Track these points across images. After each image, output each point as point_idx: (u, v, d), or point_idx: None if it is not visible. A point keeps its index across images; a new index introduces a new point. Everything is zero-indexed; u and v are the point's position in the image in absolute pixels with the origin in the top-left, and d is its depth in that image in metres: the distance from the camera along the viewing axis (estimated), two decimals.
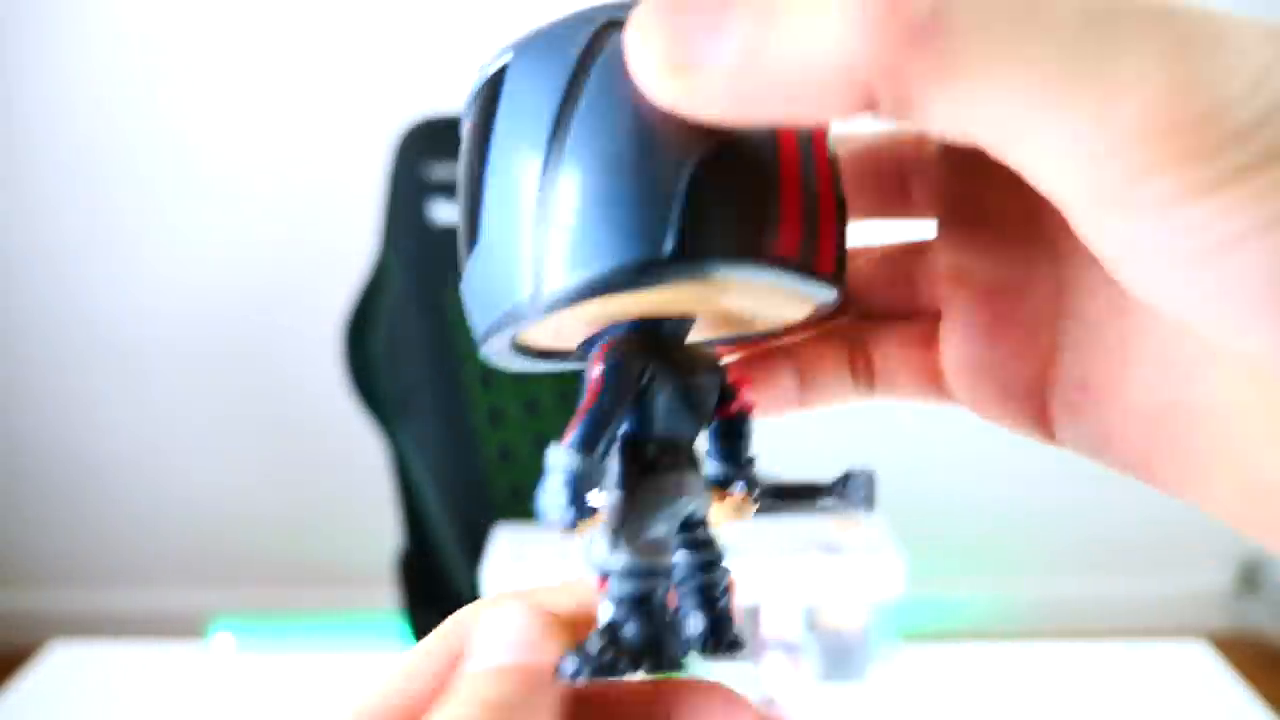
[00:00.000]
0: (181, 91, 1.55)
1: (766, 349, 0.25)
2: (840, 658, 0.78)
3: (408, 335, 1.05)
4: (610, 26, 0.17)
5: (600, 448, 0.18)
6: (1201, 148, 0.14)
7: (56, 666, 0.83)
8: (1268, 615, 1.74)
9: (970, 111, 0.15)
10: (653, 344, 0.20)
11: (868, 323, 0.25)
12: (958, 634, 1.61)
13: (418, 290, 1.04)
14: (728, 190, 0.18)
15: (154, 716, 0.78)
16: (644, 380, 0.19)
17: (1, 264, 1.62)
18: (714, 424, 0.22)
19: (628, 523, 0.19)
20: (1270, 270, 0.14)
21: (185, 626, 1.12)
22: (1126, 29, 0.14)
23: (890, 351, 0.24)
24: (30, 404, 1.69)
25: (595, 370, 0.19)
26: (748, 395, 0.22)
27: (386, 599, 1.25)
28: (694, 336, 0.22)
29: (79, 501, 1.73)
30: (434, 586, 1.09)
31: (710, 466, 0.22)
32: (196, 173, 1.58)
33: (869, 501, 0.22)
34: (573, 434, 0.18)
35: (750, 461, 0.22)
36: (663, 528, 0.19)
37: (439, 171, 1.02)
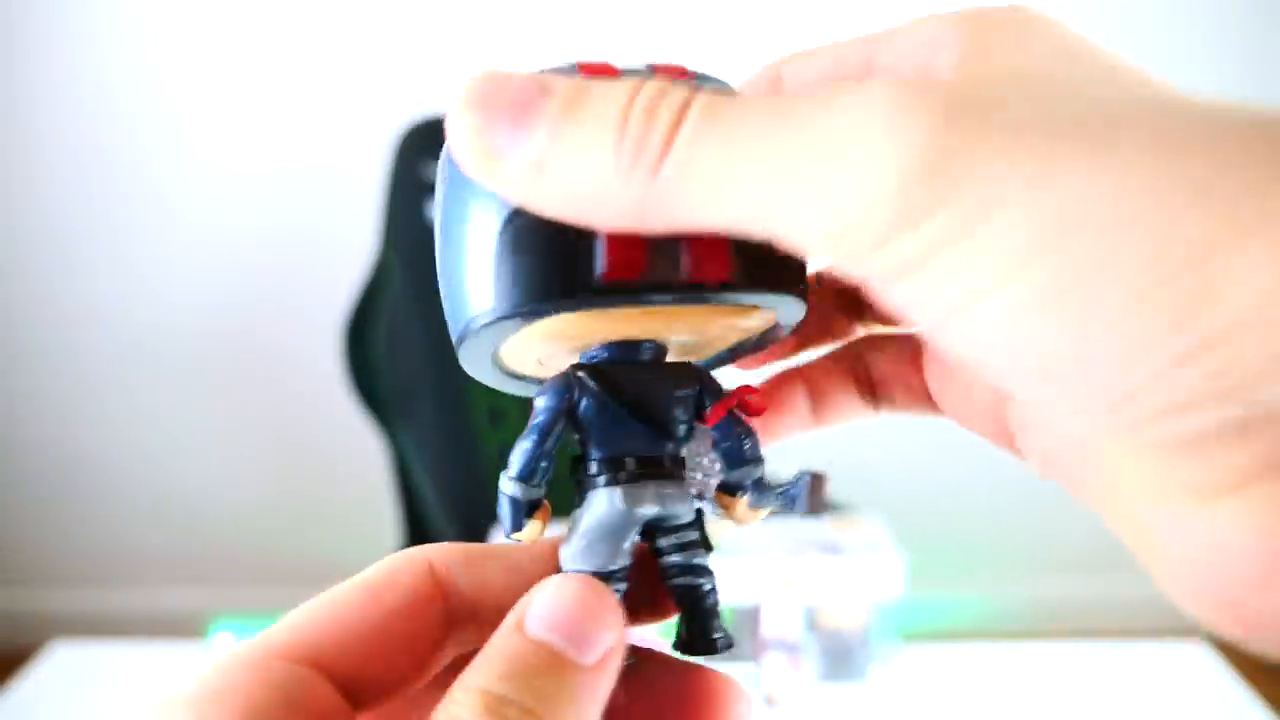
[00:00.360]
0: (181, 91, 1.55)
1: (780, 373, 0.26)
2: (840, 658, 0.78)
3: (408, 335, 1.05)
4: None
5: (537, 475, 0.21)
6: (914, 212, 0.14)
7: (56, 666, 0.83)
8: None
9: (730, 220, 0.16)
10: (607, 368, 0.22)
11: (866, 342, 0.26)
12: (958, 634, 1.61)
13: (417, 290, 1.04)
14: (535, 237, 0.19)
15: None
16: (577, 406, 0.22)
17: (0, 265, 1.62)
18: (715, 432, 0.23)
19: (575, 532, 0.21)
20: (1002, 331, 0.14)
21: (185, 626, 1.12)
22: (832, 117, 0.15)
23: (884, 369, 0.25)
24: (30, 404, 1.69)
25: (536, 402, 0.22)
26: (744, 400, 0.23)
27: None
28: (698, 351, 0.24)
29: (79, 501, 1.73)
30: None
31: (723, 473, 0.23)
32: (196, 173, 1.58)
33: (812, 503, 0.22)
34: (513, 465, 0.21)
35: (748, 464, 0.23)
36: (609, 536, 0.21)
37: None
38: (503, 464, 0.23)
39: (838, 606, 0.77)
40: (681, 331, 0.22)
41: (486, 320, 0.20)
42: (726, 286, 0.20)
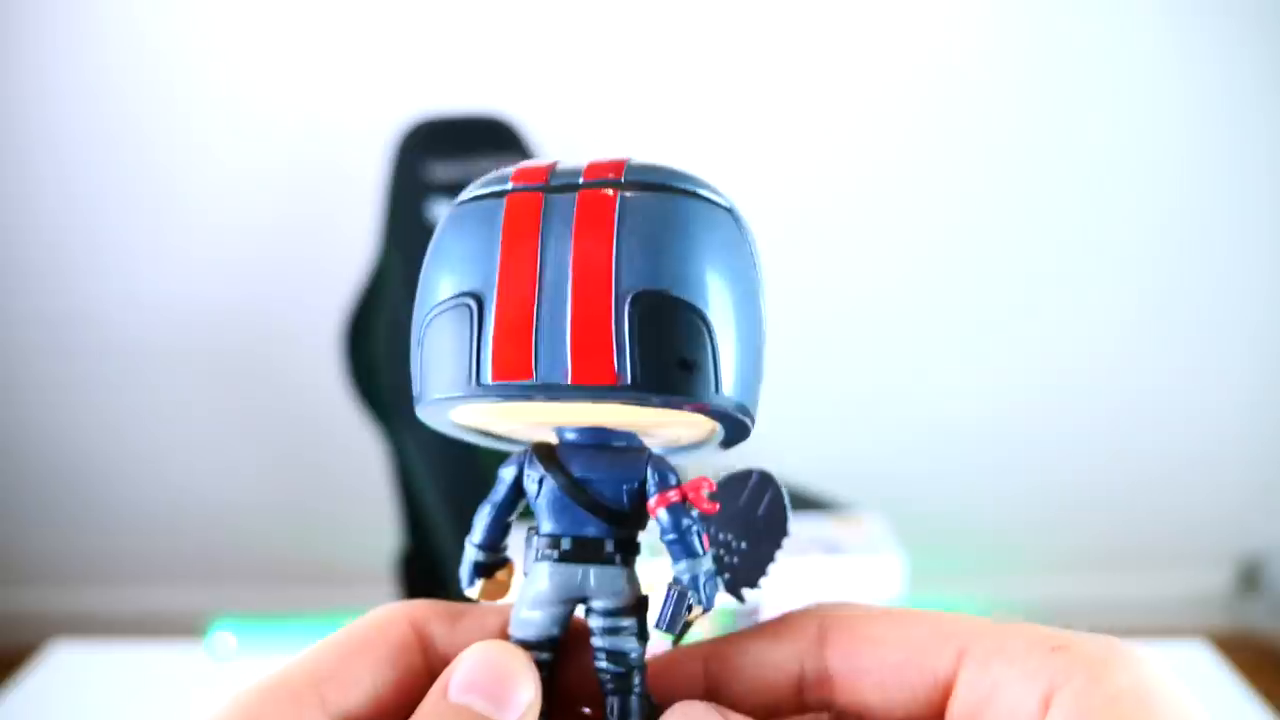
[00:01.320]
0: (181, 91, 1.55)
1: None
2: None
3: (408, 335, 1.05)
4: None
5: (496, 541, 0.24)
6: None
7: (56, 666, 0.83)
8: (1268, 615, 1.74)
9: None
10: (566, 449, 0.23)
11: None
12: None
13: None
14: (439, 340, 0.22)
15: (154, 716, 0.78)
16: (523, 483, 0.23)
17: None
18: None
19: (517, 602, 0.23)
20: None
21: (185, 626, 1.12)
22: None
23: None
24: (30, 404, 1.69)
25: (499, 472, 0.24)
26: (689, 495, 0.22)
27: (386, 599, 1.25)
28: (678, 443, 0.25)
29: (79, 501, 1.73)
30: (434, 586, 1.09)
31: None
32: (194, 172, 1.58)
33: (670, 622, 0.22)
34: (474, 532, 0.24)
35: (689, 559, 0.22)
36: (537, 609, 0.23)
37: (439, 171, 1.01)
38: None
39: None
40: (643, 424, 0.23)
41: (417, 401, 0.23)
42: (615, 389, 0.20)
